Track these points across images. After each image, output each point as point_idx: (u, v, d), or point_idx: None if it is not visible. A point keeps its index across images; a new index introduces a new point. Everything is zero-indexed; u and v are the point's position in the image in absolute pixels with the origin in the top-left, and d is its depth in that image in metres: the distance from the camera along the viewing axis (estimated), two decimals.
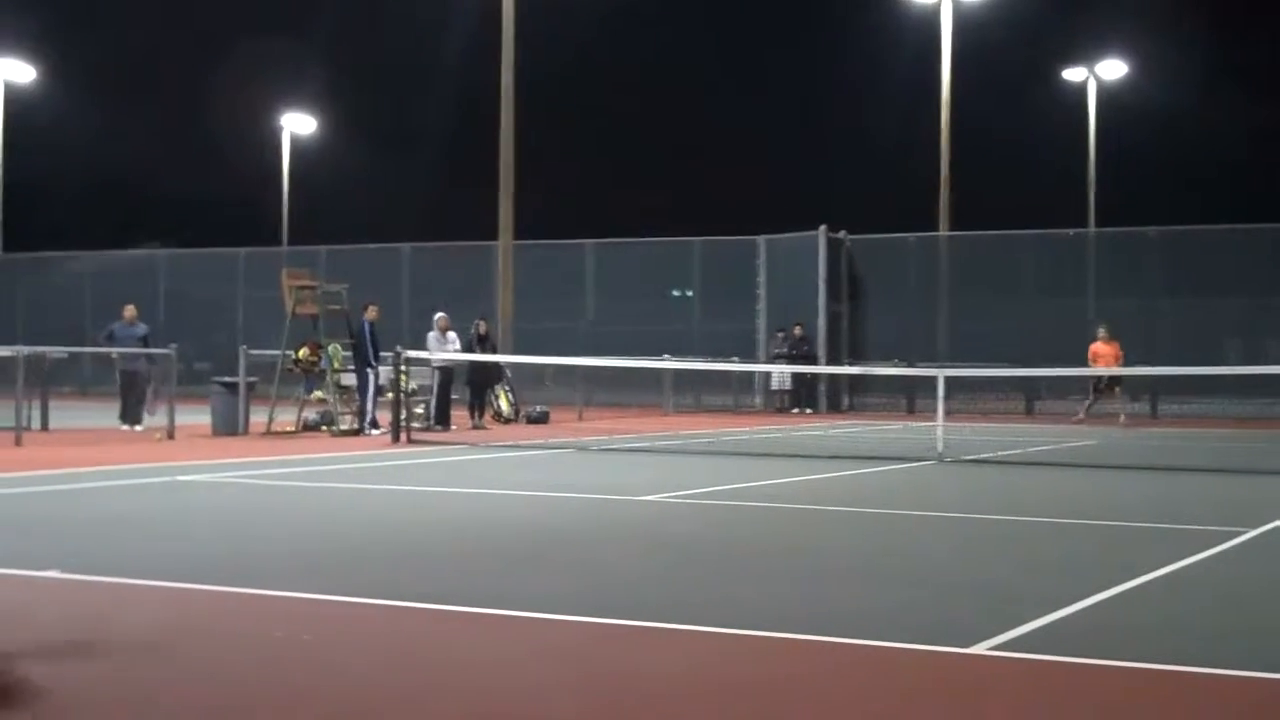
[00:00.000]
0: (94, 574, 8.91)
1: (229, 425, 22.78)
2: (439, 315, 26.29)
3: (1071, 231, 37.97)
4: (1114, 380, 28.30)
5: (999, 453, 20.60)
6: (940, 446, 19.11)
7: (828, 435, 24.84)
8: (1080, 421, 28.38)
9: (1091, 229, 42.51)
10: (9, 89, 45.96)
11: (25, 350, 22.78)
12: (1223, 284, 33.08)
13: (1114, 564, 9.59)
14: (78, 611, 7.89)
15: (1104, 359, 28.19)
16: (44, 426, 22.75)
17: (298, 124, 54.04)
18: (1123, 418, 28.79)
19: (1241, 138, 69.05)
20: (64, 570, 8.96)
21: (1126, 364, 28.33)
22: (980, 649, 6.89)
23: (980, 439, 22.56)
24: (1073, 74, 51.01)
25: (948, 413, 20.66)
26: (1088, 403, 29.20)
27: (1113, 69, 50.42)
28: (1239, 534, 11.17)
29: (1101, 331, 28.91)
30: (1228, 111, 69.42)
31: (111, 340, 25.28)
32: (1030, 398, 33.02)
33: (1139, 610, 8.13)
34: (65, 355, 25.99)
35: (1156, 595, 8.59)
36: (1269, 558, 10.37)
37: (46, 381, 24.04)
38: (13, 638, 7.19)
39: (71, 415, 23.86)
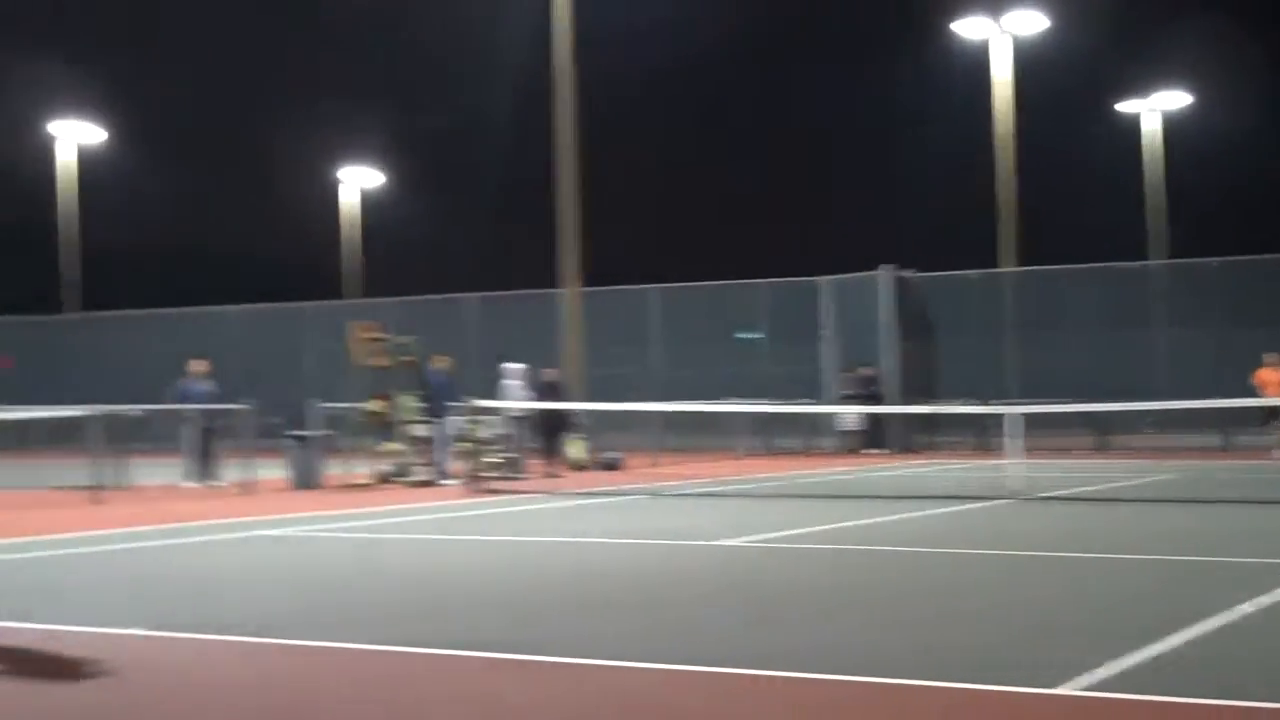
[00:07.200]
0: (178, 631, 9.00)
1: (304, 479, 22.94)
2: (516, 365, 26.40)
3: (1138, 264, 37.71)
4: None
5: (1075, 489, 20.42)
6: (1015, 484, 18.99)
7: (899, 475, 24.74)
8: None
9: (1157, 260, 42.19)
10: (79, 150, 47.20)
11: (103, 409, 23.09)
12: None
13: (1201, 599, 9.49)
14: (163, 670, 7.98)
15: (1273, 387, 27.04)
16: (122, 484, 22.98)
17: (362, 177, 54.51)
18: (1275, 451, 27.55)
19: None
20: (147, 628, 9.06)
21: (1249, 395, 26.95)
22: (1065, 689, 6.85)
23: (1055, 476, 22.39)
24: (1133, 105, 50.68)
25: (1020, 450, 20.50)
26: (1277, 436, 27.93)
27: (1175, 99, 50.06)
28: None
29: (1271, 357, 27.85)
30: None
31: (183, 397, 25.44)
32: (1104, 433, 32.73)
33: (1223, 646, 8.04)
34: (141, 414, 26.23)
35: (1246, 631, 8.49)
36: None
37: (124, 439, 24.29)
38: (100, 698, 7.29)
39: (148, 473, 24.10)
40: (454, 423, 23.82)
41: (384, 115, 59.16)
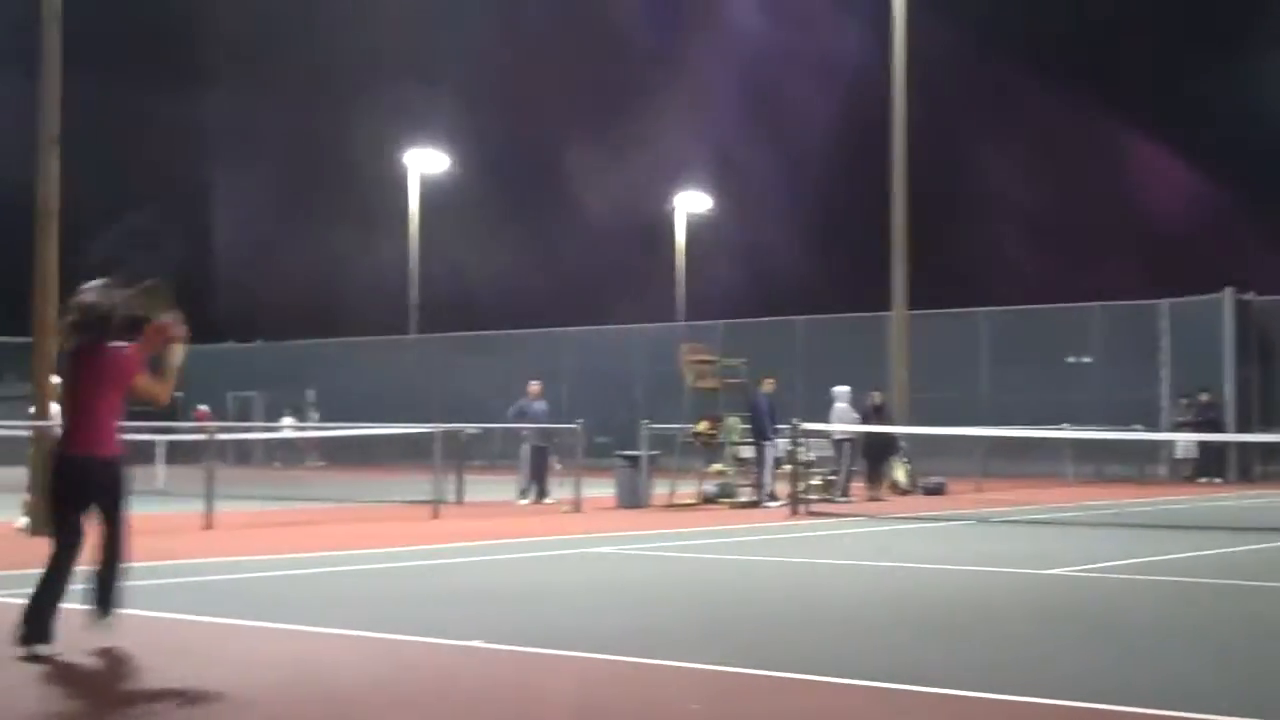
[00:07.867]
0: (517, 644, 9.33)
1: (631, 497, 23.39)
2: (844, 388, 26.44)
3: None
4: None
5: None
6: None
7: (1238, 506, 23.85)
8: None
9: None
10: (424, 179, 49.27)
11: (442, 427, 24.03)
12: None
13: None
14: (503, 682, 8.31)
15: None
16: (459, 499, 23.87)
17: (690, 202, 55.21)
18: None
19: None
20: (488, 640, 9.42)
21: None
22: None
23: None
24: None
25: None
26: None
27: None
28: None
29: None
30: None
31: (520, 416, 26.24)
32: None
33: None
34: (479, 431, 27.22)
35: None
36: None
37: (463, 456, 25.22)
38: (442, 708, 7.65)
39: (485, 489, 24.95)
40: (779, 445, 24.01)
41: (712, 138, 59.77)
